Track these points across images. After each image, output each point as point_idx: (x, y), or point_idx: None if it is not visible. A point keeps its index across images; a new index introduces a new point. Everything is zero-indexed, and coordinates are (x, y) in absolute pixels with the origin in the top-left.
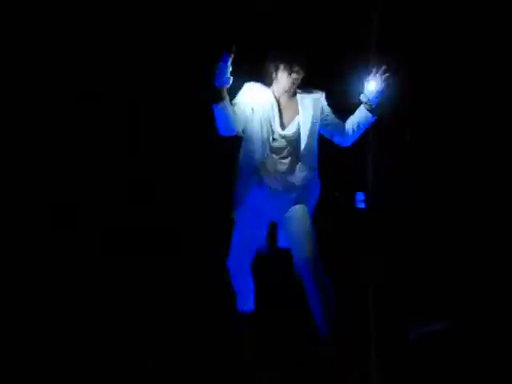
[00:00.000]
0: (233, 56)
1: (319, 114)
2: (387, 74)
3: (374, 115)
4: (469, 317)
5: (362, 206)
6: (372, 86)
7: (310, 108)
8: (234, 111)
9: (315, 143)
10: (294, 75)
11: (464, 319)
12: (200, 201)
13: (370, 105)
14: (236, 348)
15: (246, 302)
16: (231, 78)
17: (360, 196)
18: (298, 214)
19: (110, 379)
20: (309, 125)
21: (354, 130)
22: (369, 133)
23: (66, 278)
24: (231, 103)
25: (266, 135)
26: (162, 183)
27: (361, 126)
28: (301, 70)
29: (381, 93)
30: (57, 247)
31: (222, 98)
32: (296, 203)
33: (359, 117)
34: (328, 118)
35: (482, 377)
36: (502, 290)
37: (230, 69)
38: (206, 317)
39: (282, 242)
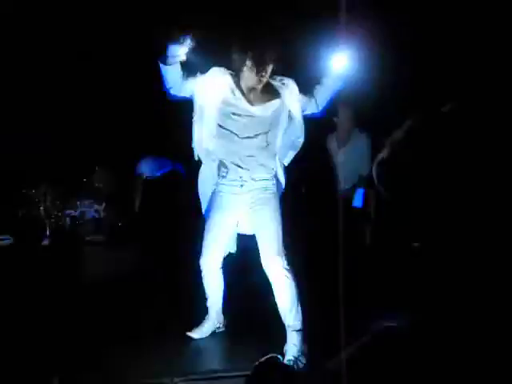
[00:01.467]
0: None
1: (299, 97)
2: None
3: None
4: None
5: (358, 204)
6: (339, 61)
7: (288, 93)
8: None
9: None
10: (260, 75)
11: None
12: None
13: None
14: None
15: (216, 302)
16: (184, 56)
17: (359, 194)
18: (264, 209)
19: None
20: (285, 120)
21: (325, 100)
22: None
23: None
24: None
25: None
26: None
27: (330, 91)
28: (267, 69)
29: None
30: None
31: (170, 62)
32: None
33: (328, 83)
34: (304, 102)
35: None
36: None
37: (186, 47)
38: (176, 316)
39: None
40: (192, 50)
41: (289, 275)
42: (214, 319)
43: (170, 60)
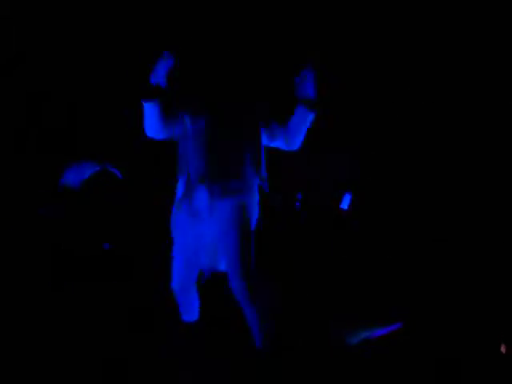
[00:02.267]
0: (173, 59)
1: (263, 124)
2: (310, 68)
3: (310, 111)
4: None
5: (344, 206)
6: (303, 83)
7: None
8: (166, 113)
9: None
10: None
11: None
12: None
13: (305, 100)
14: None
15: (190, 312)
16: (165, 80)
17: (346, 198)
18: (233, 226)
19: None
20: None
21: (298, 132)
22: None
23: None
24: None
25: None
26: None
27: (302, 126)
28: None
29: (309, 86)
30: None
31: (153, 97)
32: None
33: (299, 116)
34: (272, 126)
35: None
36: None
37: (166, 72)
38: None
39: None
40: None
41: (252, 296)
42: None
43: (154, 90)
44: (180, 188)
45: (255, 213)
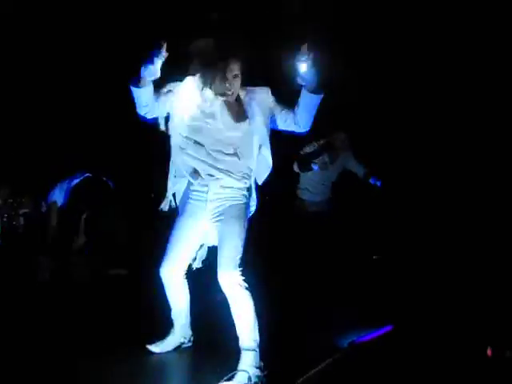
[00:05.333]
0: (164, 52)
1: (268, 114)
2: (311, 53)
3: (316, 94)
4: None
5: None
6: (303, 67)
7: (259, 112)
8: (156, 99)
9: (264, 146)
10: (228, 82)
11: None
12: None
13: (309, 85)
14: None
15: (180, 315)
16: (158, 72)
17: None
18: (227, 221)
19: None
20: (259, 129)
21: (304, 115)
22: None
23: None
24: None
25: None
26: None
27: (309, 108)
28: (237, 75)
29: (312, 71)
30: None
31: (142, 84)
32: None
33: (304, 100)
34: (277, 113)
35: None
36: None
37: (159, 65)
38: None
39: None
40: (164, 64)
41: (243, 292)
42: (178, 333)
43: (143, 80)
44: (173, 187)
45: (248, 211)
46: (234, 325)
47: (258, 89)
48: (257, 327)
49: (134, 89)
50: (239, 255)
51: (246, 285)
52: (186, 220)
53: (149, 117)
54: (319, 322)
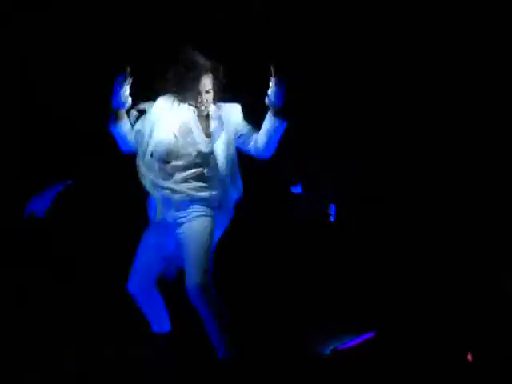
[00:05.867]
0: (129, 78)
1: (233, 132)
2: (279, 75)
3: (281, 120)
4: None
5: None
6: (270, 87)
7: (224, 129)
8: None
9: (230, 162)
10: (201, 97)
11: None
12: None
13: (274, 108)
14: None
15: (160, 322)
16: (129, 98)
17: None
18: (193, 232)
19: None
20: (223, 146)
21: (265, 139)
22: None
23: None
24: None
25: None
26: None
27: (270, 134)
28: (209, 91)
29: (278, 93)
30: None
31: (117, 119)
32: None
33: (267, 123)
34: (243, 132)
35: None
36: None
37: (127, 91)
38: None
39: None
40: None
41: (210, 307)
42: None
43: (117, 113)
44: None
45: (222, 223)
46: None
47: (227, 105)
48: (231, 336)
49: (113, 128)
50: (205, 268)
51: (213, 297)
52: (151, 232)
53: (134, 150)
54: (301, 329)
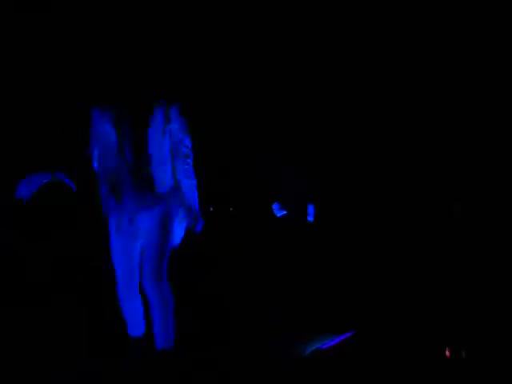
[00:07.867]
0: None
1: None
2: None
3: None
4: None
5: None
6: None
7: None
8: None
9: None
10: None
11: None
12: None
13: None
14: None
15: (137, 325)
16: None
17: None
18: (150, 229)
19: None
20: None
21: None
22: None
23: None
24: None
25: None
26: None
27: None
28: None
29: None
30: None
31: None
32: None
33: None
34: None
35: None
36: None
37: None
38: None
39: None
40: None
41: (162, 304)
42: None
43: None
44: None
45: (178, 224)
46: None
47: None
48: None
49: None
50: (161, 265)
51: (165, 294)
52: (119, 237)
53: None
54: (280, 330)
